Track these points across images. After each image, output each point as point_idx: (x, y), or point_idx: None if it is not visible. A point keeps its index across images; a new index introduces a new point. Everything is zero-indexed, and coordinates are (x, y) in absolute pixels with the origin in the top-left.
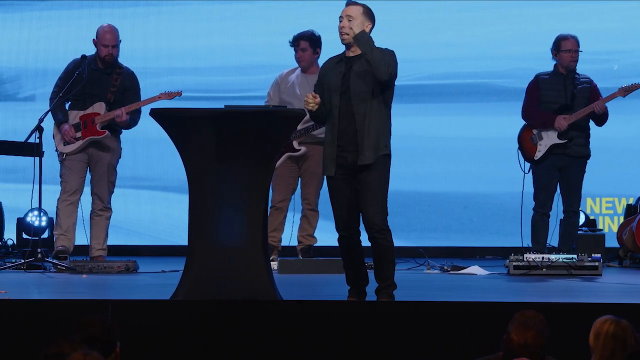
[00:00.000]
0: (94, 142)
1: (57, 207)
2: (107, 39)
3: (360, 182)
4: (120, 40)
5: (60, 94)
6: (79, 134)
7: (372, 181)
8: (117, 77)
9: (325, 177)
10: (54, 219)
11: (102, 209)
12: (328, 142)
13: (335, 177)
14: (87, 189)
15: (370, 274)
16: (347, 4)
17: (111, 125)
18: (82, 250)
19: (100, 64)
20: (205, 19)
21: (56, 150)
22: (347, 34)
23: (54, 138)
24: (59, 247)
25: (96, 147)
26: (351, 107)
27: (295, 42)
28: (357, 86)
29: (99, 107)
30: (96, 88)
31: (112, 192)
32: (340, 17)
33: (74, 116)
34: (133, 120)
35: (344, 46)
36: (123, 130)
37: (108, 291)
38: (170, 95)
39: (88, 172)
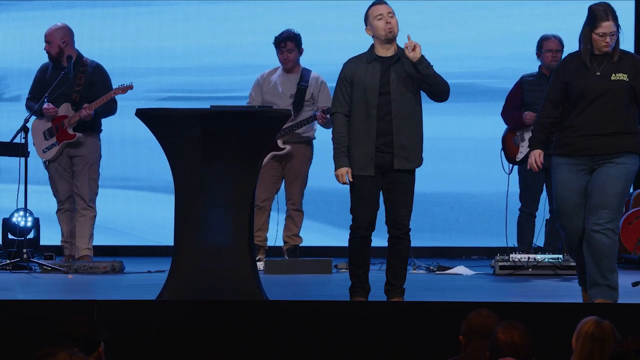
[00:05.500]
0: (70, 143)
1: (56, 213)
2: (45, 34)
3: (395, 182)
4: (65, 40)
5: (46, 94)
6: (54, 139)
7: (408, 183)
8: (82, 75)
9: (351, 176)
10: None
11: (84, 208)
12: (364, 142)
13: (369, 176)
14: None
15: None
16: (379, 2)
17: (85, 124)
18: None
19: (63, 63)
20: (190, 19)
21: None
22: (393, 30)
23: (34, 145)
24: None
25: (73, 147)
26: (390, 109)
27: (282, 43)
28: (399, 90)
29: (65, 109)
30: (63, 88)
31: (96, 191)
32: (380, 14)
33: (45, 122)
34: (108, 109)
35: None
36: (102, 127)
37: (94, 291)
38: (124, 90)
39: None
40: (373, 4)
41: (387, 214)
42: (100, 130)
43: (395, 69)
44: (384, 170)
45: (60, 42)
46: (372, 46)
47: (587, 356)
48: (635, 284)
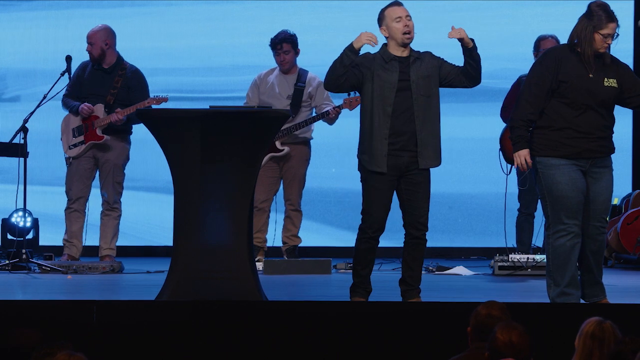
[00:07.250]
0: (97, 145)
1: (64, 211)
2: (87, 35)
3: (415, 183)
4: (108, 43)
5: (45, 95)
6: (81, 138)
7: (427, 183)
8: (119, 78)
9: (371, 173)
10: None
11: (109, 209)
12: (378, 138)
13: (384, 177)
14: (95, 190)
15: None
16: (397, 4)
17: (114, 128)
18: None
19: (104, 64)
20: (189, 19)
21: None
22: (412, 34)
23: (61, 140)
24: (65, 256)
25: (100, 149)
26: (411, 108)
27: (278, 45)
28: (421, 88)
29: (99, 110)
30: (98, 88)
31: (121, 192)
32: (399, 17)
33: (77, 119)
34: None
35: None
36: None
37: (93, 292)
38: (158, 101)
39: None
40: (390, 5)
41: (406, 215)
42: (130, 133)
43: (414, 69)
44: (401, 171)
45: (102, 44)
46: (385, 46)
47: (587, 355)
48: None
